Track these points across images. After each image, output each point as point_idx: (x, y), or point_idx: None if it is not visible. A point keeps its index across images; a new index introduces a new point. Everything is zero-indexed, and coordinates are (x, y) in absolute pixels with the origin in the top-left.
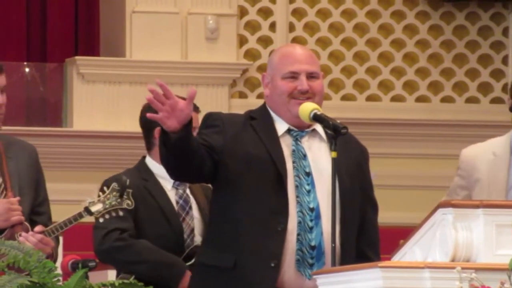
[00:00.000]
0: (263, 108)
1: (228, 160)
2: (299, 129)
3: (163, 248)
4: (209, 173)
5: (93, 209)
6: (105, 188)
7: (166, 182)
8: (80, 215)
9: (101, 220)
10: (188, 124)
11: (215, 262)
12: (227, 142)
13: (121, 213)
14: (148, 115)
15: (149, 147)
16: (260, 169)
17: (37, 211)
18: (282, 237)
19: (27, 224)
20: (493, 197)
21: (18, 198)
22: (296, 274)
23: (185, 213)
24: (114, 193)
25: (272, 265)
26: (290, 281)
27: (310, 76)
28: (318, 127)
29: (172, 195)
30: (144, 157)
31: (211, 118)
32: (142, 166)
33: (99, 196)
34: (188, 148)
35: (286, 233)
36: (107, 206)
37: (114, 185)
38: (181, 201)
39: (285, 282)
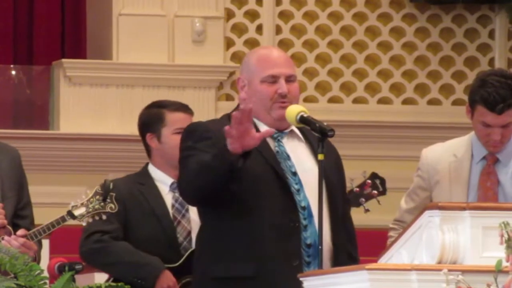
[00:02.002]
0: None
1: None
2: (278, 131)
3: (155, 251)
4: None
5: (76, 212)
6: (88, 191)
7: (163, 185)
8: (63, 219)
9: (85, 223)
10: (248, 154)
11: (235, 273)
12: None
13: (104, 217)
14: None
15: (148, 154)
16: (259, 171)
17: (19, 214)
18: (298, 234)
19: (9, 227)
20: (454, 198)
21: (1, 204)
22: None
23: (181, 216)
24: (98, 196)
25: (295, 264)
26: None
27: (288, 79)
28: (295, 128)
29: (168, 198)
30: (147, 164)
31: (200, 130)
32: (142, 172)
33: (82, 199)
34: (229, 176)
35: (300, 229)
36: (90, 209)
37: (97, 188)
38: (176, 204)
39: None
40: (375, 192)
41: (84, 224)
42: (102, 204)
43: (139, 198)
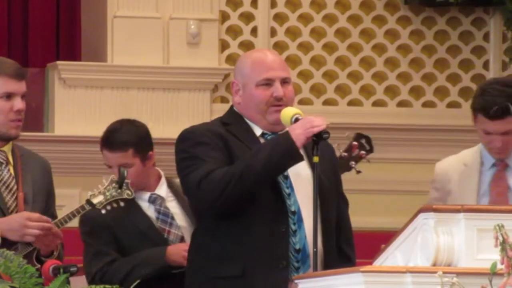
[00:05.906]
0: (233, 113)
1: None
2: (272, 133)
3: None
4: None
5: (95, 201)
6: (104, 180)
7: (141, 201)
8: (82, 208)
9: (104, 211)
10: None
11: (224, 273)
12: (225, 155)
13: (122, 204)
14: None
15: None
16: None
17: None
18: (287, 238)
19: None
20: None
21: (38, 214)
22: None
23: (169, 225)
24: (114, 184)
25: (281, 266)
26: None
27: (283, 82)
28: None
29: (151, 212)
30: None
31: (196, 135)
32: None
33: (99, 189)
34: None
35: (289, 234)
36: (108, 197)
37: (113, 177)
38: (160, 216)
39: None
40: (363, 152)
41: (103, 212)
42: (119, 191)
43: (122, 217)
